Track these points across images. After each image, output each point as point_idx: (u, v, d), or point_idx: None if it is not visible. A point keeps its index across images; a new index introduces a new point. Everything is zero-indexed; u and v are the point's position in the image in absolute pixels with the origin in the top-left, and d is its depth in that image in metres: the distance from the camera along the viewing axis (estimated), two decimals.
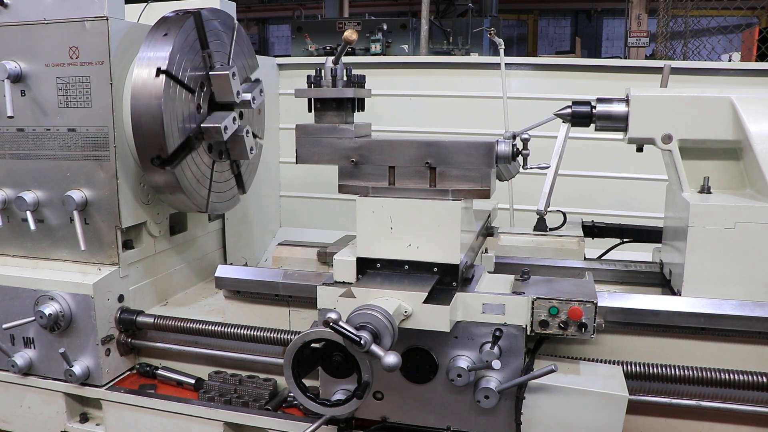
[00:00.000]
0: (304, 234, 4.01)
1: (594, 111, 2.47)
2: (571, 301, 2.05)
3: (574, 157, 3.19)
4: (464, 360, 2.05)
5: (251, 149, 3.03)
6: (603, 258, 3.20)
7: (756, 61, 7.17)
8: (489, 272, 2.42)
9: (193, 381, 2.73)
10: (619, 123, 2.45)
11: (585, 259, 2.94)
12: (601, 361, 2.26)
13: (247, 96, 2.94)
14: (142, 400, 2.67)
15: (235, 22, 3.09)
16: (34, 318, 2.67)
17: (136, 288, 2.90)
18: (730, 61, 6.45)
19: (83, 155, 2.68)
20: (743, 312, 2.20)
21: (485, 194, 2.09)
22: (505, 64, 3.69)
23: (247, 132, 2.97)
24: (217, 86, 2.81)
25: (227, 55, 2.98)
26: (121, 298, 2.80)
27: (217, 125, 2.76)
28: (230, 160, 3.09)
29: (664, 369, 2.19)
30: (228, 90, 2.79)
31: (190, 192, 2.78)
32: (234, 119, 2.85)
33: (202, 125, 2.78)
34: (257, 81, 3.14)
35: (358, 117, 2.28)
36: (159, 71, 2.54)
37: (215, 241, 3.60)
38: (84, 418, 2.84)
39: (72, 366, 2.67)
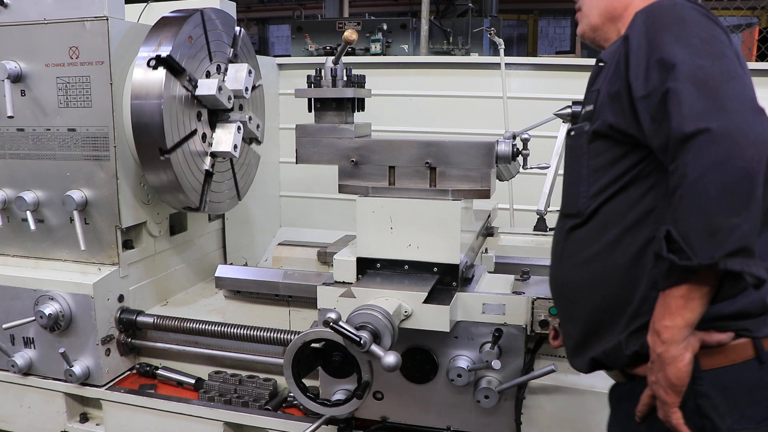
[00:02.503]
0: (304, 234, 4.01)
1: None
2: None
3: None
4: (464, 360, 2.05)
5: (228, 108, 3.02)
6: None
7: (756, 61, 7.16)
8: (489, 272, 2.42)
9: (193, 381, 2.73)
10: None
11: None
12: None
13: (243, 117, 2.96)
14: (142, 400, 2.67)
15: (239, 28, 3.09)
16: (34, 318, 2.67)
17: (136, 288, 2.90)
18: None
19: (83, 155, 2.68)
20: None
21: (485, 194, 2.09)
22: (505, 64, 3.69)
23: (251, 119, 2.99)
24: (207, 102, 2.82)
25: (228, 56, 2.98)
26: (121, 298, 2.80)
27: (227, 150, 2.81)
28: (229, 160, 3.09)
29: None
30: (218, 104, 2.81)
31: (189, 191, 2.77)
32: (239, 128, 2.87)
33: (211, 151, 2.84)
34: (257, 87, 3.15)
35: (358, 117, 2.28)
36: (159, 59, 2.53)
37: (215, 241, 3.60)
38: (84, 418, 2.84)
39: (72, 366, 2.67)
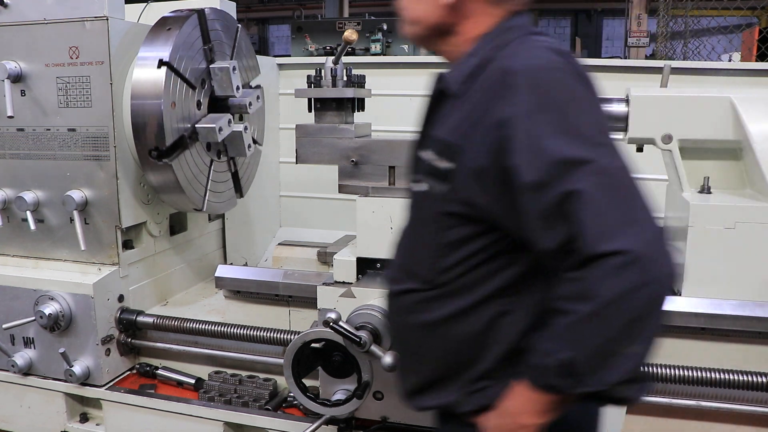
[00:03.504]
0: (304, 234, 4.00)
1: None
2: None
3: None
4: None
5: (249, 146, 3.02)
6: None
7: (756, 61, 7.17)
8: None
9: (193, 381, 2.73)
10: (619, 123, 2.45)
11: None
12: None
13: (245, 100, 2.93)
14: (142, 400, 2.67)
15: (238, 25, 3.09)
16: (34, 318, 2.67)
17: (136, 288, 2.90)
18: (730, 61, 6.45)
19: (83, 155, 2.68)
20: (743, 312, 2.20)
21: None
22: None
23: (246, 129, 2.98)
24: (218, 79, 2.79)
25: (228, 56, 2.98)
26: (121, 298, 2.80)
27: (211, 126, 2.76)
28: (228, 159, 3.09)
29: (664, 369, 2.19)
30: (228, 84, 2.79)
31: (189, 191, 2.78)
32: (229, 121, 2.85)
33: (196, 126, 2.77)
34: (257, 87, 3.14)
35: (358, 117, 2.28)
36: (161, 63, 2.53)
37: (215, 241, 3.60)
38: (84, 418, 2.84)
39: (72, 366, 2.67)
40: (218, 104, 2.93)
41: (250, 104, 2.96)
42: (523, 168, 1.13)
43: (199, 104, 2.80)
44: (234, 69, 2.79)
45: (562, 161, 1.10)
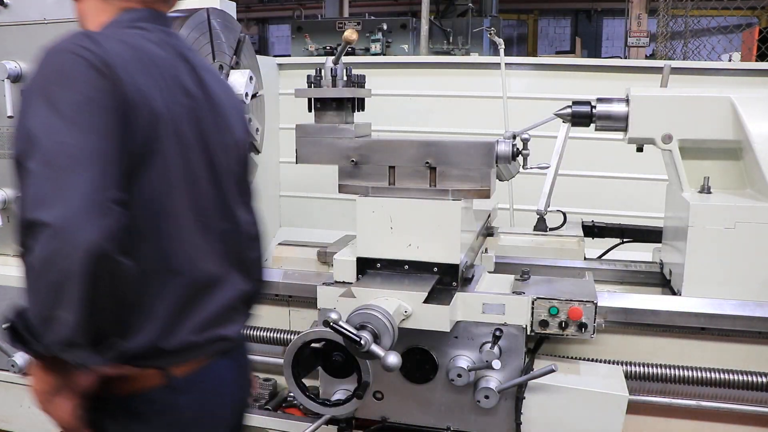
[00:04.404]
0: (304, 234, 4.01)
1: (594, 111, 2.47)
2: (571, 301, 2.05)
3: (574, 157, 3.18)
4: (464, 360, 2.05)
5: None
6: (603, 258, 3.20)
7: (756, 61, 7.16)
8: (489, 272, 2.42)
9: None
10: (619, 123, 2.45)
11: (585, 259, 2.94)
12: (601, 361, 2.26)
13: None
14: None
15: (243, 33, 3.09)
16: None
17: None
18: (730, 61, 6.44)
19: None
20: (743, 312, 2.21)
21: (485, 194, 2.08)
22: (505, 64, 3.69)
23: (250, 120, 2.99)
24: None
25: (229, 57, 2.98)
26: None
27: (238, 93, 2.79)
28: None
29: (664, 369, 2.19)
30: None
31: None
32: (251, 78, 2.87)
33: None
34: (258, 96, 3.16)
35: (358, 117, 2.28)
36: None
37: None
38: None
39: None
40: None
41: (246, 95, 2.99)
42: (15, 140, 1.25)
43: None
44: (251, 78, 2.80)
45: (28, 136, 1.20)
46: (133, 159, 1.29)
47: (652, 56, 10.28)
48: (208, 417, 1.51)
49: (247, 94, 2.91)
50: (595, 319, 2.04)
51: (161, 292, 1.38)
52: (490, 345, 2.01)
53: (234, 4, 3.35)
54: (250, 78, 2.91)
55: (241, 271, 1.59)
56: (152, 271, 1.36)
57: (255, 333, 2.59)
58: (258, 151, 3.25)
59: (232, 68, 2.99)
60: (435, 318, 1.91)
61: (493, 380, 2.05)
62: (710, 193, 2.40)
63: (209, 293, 1.47)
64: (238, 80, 2.93)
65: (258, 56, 3.33)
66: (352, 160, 2.16)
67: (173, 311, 1.39)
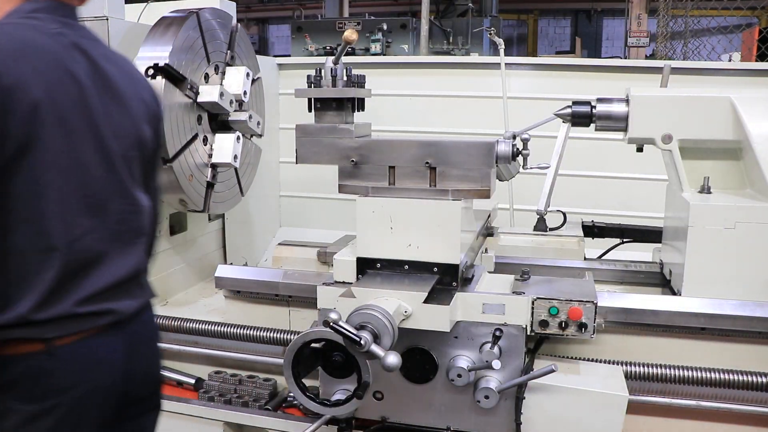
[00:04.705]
0: (304, 234, 4.01)
1: (594, 111, 2.47)
2: (571, 301, 2.05)
3: (574, 157, 3.18)
4: (464, 360, 2.04)
5: (251, 136, 3.04)
6: (603, 258, 3.21)
7: (756, 61, 7.17)
8: (489, 272, 2.42)
9: (193, 381, 2.73)
10: (619, 123, 2.45)
11: (585, 259, 2.95)
12: (601, 361, 2.26)
13: (243, 116, 2.96)
14: None
15: (236, 23, 3.09)
16: None
17: None
18: (730, 61, 6.45)
19: None
20: (743, 312, 2.20)
21: (485, 194, 2.08)
22: (505, 64, 3.69)
23: (251, 117, 2.99)
24: (209, 107, 2.83)
25: (225, 56, 2.98)
26: None
27: (227, 161, 2.82)
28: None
29: (664, 369, 2.19)
30: (220, 109, 2.82)
31: (190, 191, 2.77)
32: (238, 138, 2.88)
33: (212, 162, 2.86)
34: (257, 80, 3.15)
35: (358, 117, 2.28)
36: (156, 68, 2.53)
37: (215, 241, 3.60)
38: None
39: None
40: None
41: (245, 93, 3.00)
42: None
43: (199, 119, 2.82)
44: (222, 95, 2.80)
45: None
46: (11, 145, 1.34)
47: (652, 56, 10.28)
48: (85, 385, 1.52)
49: (245, 92, 2.92)
50: (595, 319, 2.03)
51: (41, 267, 1.43)
52: (490, 345, 2.01)
53: (234, 4, 3.35)
54: (247, 74, 2.90)
55: (139, 250, 1.64)
56: (33, 248, 1.42)
57: (255, 333, 2.59)
58: (260, 135, 3.25)
59: (228, 65, 2.99)
60: (435, 318, 1.91)
61: (493, 380, 2.04)
62: (710, 193, 2.40)
63: (95, 269, 1.52)
64: (235, 78, 2.92)
65: (258, 56, 3.33)
66: (352, 160, 2.16)
67: (52, 285, 1.44)
